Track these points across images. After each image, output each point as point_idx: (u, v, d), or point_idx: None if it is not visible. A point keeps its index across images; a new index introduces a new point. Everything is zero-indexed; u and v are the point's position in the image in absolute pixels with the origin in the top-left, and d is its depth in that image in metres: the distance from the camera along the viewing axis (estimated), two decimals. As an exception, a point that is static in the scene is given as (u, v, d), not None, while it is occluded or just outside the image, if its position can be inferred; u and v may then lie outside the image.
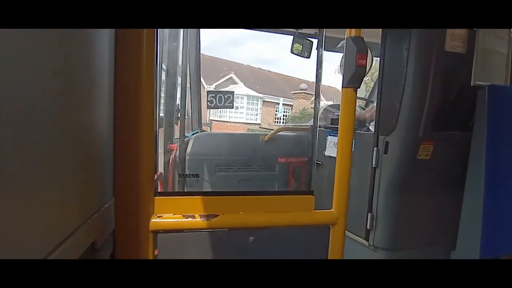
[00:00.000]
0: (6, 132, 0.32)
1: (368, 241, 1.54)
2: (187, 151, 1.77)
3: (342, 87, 0.72)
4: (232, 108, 2.22)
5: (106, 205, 0.62)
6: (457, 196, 1.52)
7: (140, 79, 0.63)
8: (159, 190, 0.68)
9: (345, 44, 0.71)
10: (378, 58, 1.57)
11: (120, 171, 0.65)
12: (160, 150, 1.57)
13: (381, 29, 1.45)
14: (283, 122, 14.35)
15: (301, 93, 13.96)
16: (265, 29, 1.99)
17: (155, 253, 0.69)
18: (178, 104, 1.84)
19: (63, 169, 0.45)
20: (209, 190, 1.72)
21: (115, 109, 0.63)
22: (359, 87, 0.72)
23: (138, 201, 0.64)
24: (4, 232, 0.32)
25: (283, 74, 17.62)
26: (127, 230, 0.65)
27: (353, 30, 0.70)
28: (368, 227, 1.53)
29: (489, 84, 1.37)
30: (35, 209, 0.38)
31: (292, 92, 14.78)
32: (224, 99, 1.98)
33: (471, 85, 1.41)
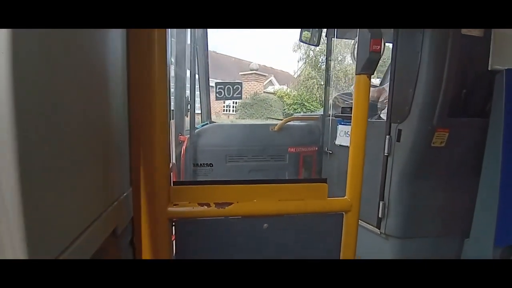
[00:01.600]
0: (36, 129, 0.33)
1: (379, 229, 1.54)
2: (197, 142, 1.79)
3: (356, 74, 0.71)
4: (241, 99, 2.23)
5: (125, 194, 0.64)
6: (472, 184, 1.49)
7: (152, 74, 0.64)
8: (172, 180, 0.70)
9: (358, 30, 0.70)
10: (391, 44, 1.52)
11: (136, 162, 0.66)
12: (172, 143, 1.59)
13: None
14: (232, 110, 12.10)
15: (251, 73, 11.65)
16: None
17: (172, 239, 0.72)
18: (187, 96, 1.85)
19: (86, 161, 0.47)
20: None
21: (130, 103, 0.65)
22: (372, 74, 0.70)
23: (154, 190, 0.66)
24: (38, 218, 0.34)
25: (233, 57, 15.12)
26: (145, 218, 0.67)
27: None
28: (379, 215, 1.52)
29: (507, 68, 1.32)
30: (64, 198, 0.40)
31: (240, 73, 12.26)
32: (232, 90, 1.98)
33: (489, 69, 1.36)
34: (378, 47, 0.66)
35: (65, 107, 0.40)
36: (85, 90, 0.47)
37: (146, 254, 0.69)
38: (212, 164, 1.70)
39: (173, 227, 0.71)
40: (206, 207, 0.69)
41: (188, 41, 1.84)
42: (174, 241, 0.72)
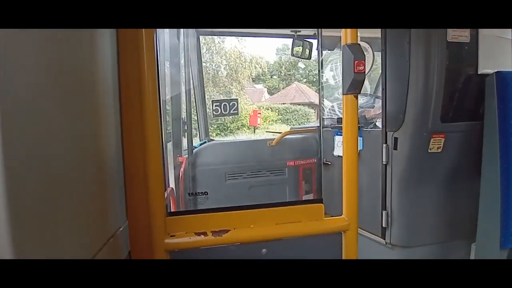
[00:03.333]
0: (25, 167, 0.33)
1: (384, 239, 1.52)
2: (196, 162, 1.80)
3: (343, 94, 0.72)
4: (237, 115, 2.25)
5: (121, 229, 0.64)
6: (473, 187, 1.48)
7: (143, 92, 0.64)
8: (171, 206, 0.70)
9: (341, 52, 0.72)
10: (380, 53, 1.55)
11: (131, 194, 0.67)
12: (170, 166, 1.60)
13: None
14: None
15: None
16: (262, 30, 2.01)
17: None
18: (184, 117, 1.87)
19: (80, 198, 0.47)
20: (220, 203, 1.73)
21: (123, 134, 0.66)
22: (359, 93, 0.72)
23: (150, 222, 0.66)
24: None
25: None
26: (142, 251, 0.67)
27: (349, 36, 0.70)
28: (383, 225, 1.50)
29: (496, 71, 1.34)
30: (57, 239, 0.40)
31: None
32: (229, 107, 2.01)
33: (478, 73, 1.37)
34: (362, 67, 0.67)
35: (53, 139, 0.39)
36: (75, 117, 0.46)
37: None
38: (207, 193, 1.69)
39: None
40: (203, 236, 0.69)
41: (182, 61, 1.88)
42: None
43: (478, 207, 1.45)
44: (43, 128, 0.37)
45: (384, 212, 1.50)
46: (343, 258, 0.77)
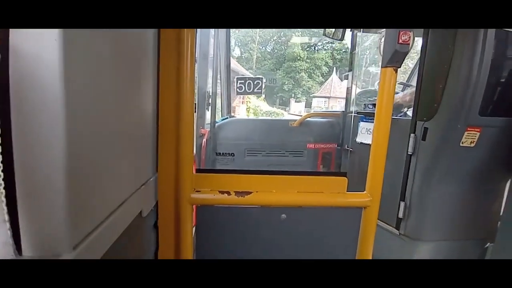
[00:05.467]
0: (80, 116, 0.37)
1: (399, 230, 1.50)
2: (218, 135, 1.83)
3: (382, 67, 0.69)
4: (261, 94, 2.23)
5: (151, 179, 0.67)
6: (499, 187, 1.41)
7: (181, 71, 0.67)
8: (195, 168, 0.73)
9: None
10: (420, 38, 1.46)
11: (163, 149, 0.70)
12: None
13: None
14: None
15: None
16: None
17: (193, 224, 0.75)
18: (209, 91, 1.89)
19: (118, 147, 0.51)
20: None
21: (159, 97, 0.68)
22: (399, 67, 0.68)
23: (178, 176, 0.69)
24: (79, 196, 0.37)
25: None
26: (169, 202, 0.71)
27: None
28: (400, 216, 1.48)
29: None
30: (102, 179, 0.44)
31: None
32: (253, 85, 1.99)
33: None
34: (407, 39, 0.64)
35: (105, 101, 0.44)
36: (122, 86, 0.50)
37: (169, 237, 0.72)
38: (233, 154, 1.73)
39: (195, 212, 0.74)
40: (226, 195, 0.71)
41: (212, 39, 1.87)
42: (194, 226, 0.75)
43: (501, 208, 1.39)
44: (100, 91, 0.42)
45: (402, 203, 1.47)
46: (360, 235, 0.77)
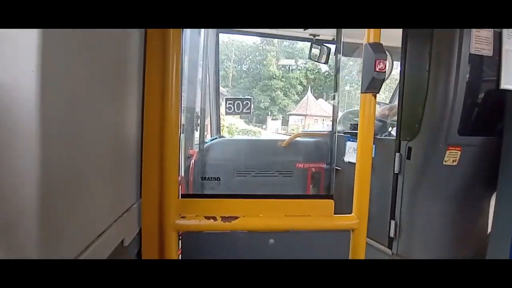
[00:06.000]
0: (56, 136, 0.36)
1: (391, 249, 1.49)
2: (206, 156, 1.82)
3: (361, 92, 0.73)
4: (250, 114, 2.27)
5: (134, 205, 0.66)
6: (484, 204, 1.44)
7: (167, 84, 0.67)
8: (180, 195, 0.71)
9: (363, 50, 0.72)
10: (399, 63, 1.54)
11: (147, 174, 0.69)
12: (181, 157, 1.63)
13: (401, 33, 1.44)
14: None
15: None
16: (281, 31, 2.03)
17: (179, 252, 0.72)
18: (197, 111, 1.91)
19: (99, 171, 0.50)
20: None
21: (143, 117, 0.68)
22: (378, 92, 0.72)
23: (163, 202, 0.68)
24: (51, 227, 0.36)
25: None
26: (153, 229, 0.69)
27: (371, 35, 0.70)
28: (391, 235, 1.48)
29: None
30: (76, 207, 0.42)
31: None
32: (242, 106, 2.02)
33: (499, 88, 1.35)
34: (383, 66, 0.67)
35: (83, 118, 0.43)
36: (103, 105, 0.50)
37: (152, 266, 0.69)
38: (219, 178, 1.72)
39: (180, 240, 0.72)
40: (212, 220, 0.70)
41: (200, 57, 1.91)
42: (180, 254, 0.73)
43: (489, 225, 1.41)
44: (78, 111, 0.41)
45: (392, 222, 1.48)
46: (350, 257, 0.77)
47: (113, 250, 0.55)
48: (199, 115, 1.89)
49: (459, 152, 1.37)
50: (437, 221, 1.44)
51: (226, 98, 2.02)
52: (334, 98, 2.04)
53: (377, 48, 0.68)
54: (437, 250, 1.46)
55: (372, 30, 0.70)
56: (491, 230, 1.41)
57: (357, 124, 1.86)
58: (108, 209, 0.54)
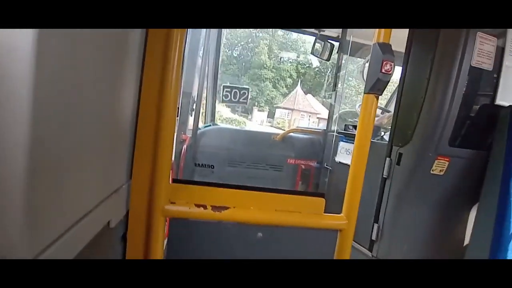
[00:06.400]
0: (46, 114, 0.34)
1: (371, 252, 1.53)
2: (199, 142, 1.79)
3: (364, 93, 0.72)
4: (246, 104, 2.24)
5: (123, 186, 0.64)
6: (465, 215, 1.49)
7: (167, 74, 0.64)
8: (170, 179, 0.69)
9: (371, 50, 0.71)
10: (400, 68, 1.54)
11: (139, 154, 0.67)
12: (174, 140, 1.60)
13: (406, 39, 1.43)
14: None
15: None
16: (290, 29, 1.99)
17: (165, 237, 0.71)
18: (194, 96, 1.87)
19: (90, 148, 0.47)
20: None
21: (140, 98, 0.66)
22: (381, 94, 0.71)
23: (154, 185, 0.66)
24: (35, 205, 0.34)
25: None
26: (141, 212, 0.67)
27: (382, 35, 0.69)
28: (373, 238, 1.51)
29: None
30: (67, 184, 0.40)
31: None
32: (239, 95, 1.99)
33: (494, 103, 1.37)
34: (390, 68, 0.67)
35: (73, 95, 0.41)
36: (96, 80, 0.47)
37: (137, 250, 0.68)
38: (213, 166, 1.70)
39: (167, 224, 0.71)
40: (202, 208, 0.69)
41: (202, 42, 1.86)
42: (166, 240, 0.72)
43: (466, 236, 1.46)
44: (70, 85, 0.39)
45: (375, 225, 1.51)
46: (335, 257, 0.78)
47: (99, 231, 0.53)
48: (195, 100, 1.86)
49: (447, 163, 1.40)
50: (418, 227, 1.48)
51: (223, 86, 1.99)
52: (331, 97, 2.04)
53: (386, 49, 0.67)
54: (415, 255, 1.51)
55: (383, 30, 0.69)
56: (470, 241, 1.46)
57: (351, 125, 1.89)
58: (95, 189, 0.52)
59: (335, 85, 1.93)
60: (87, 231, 0.48)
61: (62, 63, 0.36)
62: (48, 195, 0.36)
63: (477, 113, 1.44)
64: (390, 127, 1.64)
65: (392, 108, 1.93)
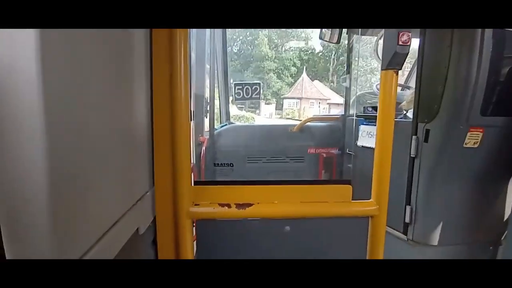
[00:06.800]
0: (65, 129, 0.34)
1: (406, 235, 1.46)
2: (217, 143, 1.81)
3: (382, 70, 0.67)
4: (259, 99, 2.22)
5: (147, 193, 0.65)
6: (503, 187, 1.38)
7: (175, 77, 0.64)
8: (192, 182, 0.70)
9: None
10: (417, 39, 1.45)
11: (159, 161, 0.67)
12: (192, 144, 1.62)
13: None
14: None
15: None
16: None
17: (194, 239, 0.72)
18: (207, 97, 1.88)
19: (110, 161, 0.48)
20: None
21: (153, 105, 0.66)
22: (400, 69, 0.67)
23: (176, 190, 0.67)
24: (62, 218, 0.35)
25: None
26: (167, 217, 0.68)
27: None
28: (406, 221, 1.45)
29: None
30: (89, 198, 0.41)
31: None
32: (251, 91, 1.98)
33: None
34: (407, 39, 0.62)
35: (91, 108, 0.41)
36: (111, 91, 0.48)
37: (168, 253, 0.69)
38: (232, 164, 1.70)
39: (194, 227, 0.71)
40: (226, 207, 0.68)
41: (207, 43, 1.86)
42: (195, 241, 0.72)
43: (506, 209, 1.36)
44: (86, 99, 0.40)
45: (408, 207, 1.44)
46: (368, 245, 0.74)
47: (129, 238, 0.55)
48: (208, 101, 1.87)
49: (481, 134, 1.31)
50: (453, 206, 1.40)
51: (234, 84, 1.98)
52: (346, 80, 1.96)
53: None
54: (453, 234, 1.43)
55: (395, 0, 0.64)
56: (510, 215, 1.36)
57: (371, 107, 1.81)
58: (121, 198, 0.53)
59: (349, 66, 1.85)
60: (117, 239, 0.49)
61: (72, 76, 0.36)
62: (74, 210, 0.37)
63: (507, 77, 1.33)
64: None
65: (412, 83, 1.83)
